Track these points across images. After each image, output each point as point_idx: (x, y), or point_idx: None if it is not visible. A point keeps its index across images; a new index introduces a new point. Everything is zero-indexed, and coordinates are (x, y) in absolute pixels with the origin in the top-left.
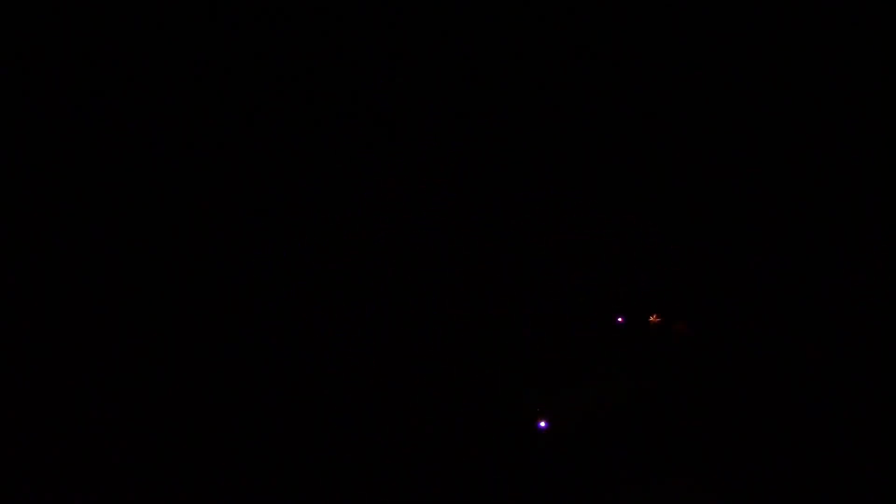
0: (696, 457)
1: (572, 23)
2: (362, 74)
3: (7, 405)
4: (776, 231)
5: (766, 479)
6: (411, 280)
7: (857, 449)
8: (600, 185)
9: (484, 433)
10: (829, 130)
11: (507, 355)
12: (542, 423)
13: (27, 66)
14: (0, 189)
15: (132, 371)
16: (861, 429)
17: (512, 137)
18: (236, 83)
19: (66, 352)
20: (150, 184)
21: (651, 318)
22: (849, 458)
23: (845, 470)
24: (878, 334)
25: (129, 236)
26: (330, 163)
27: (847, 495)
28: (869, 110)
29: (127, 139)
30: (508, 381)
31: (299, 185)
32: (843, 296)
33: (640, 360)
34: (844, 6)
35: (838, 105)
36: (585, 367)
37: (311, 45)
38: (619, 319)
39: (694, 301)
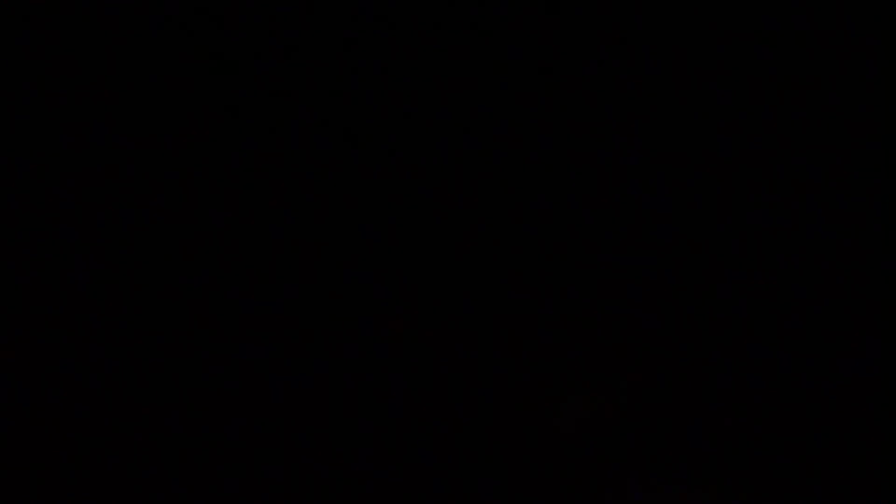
0: (698, 458)
1: (572, 23)
2: (363, 74)
3: (7, 405)
4: (776, 231)
5: (766, 479)
6: (411, 281)
7: (857, 449)
8: (600, 185)
9: (485, 434)
10: (829, 130)
11: (506, 357)
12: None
13: (27, 66)
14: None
15: (132, 371)
16: (861, 429)
17: (512, 137)
18: (236, 83)
19: (65, 351)
20: (149, 184)
21: None
22: (849, 459)
23: (845, 470)
24: (879, 334)
25: (128, 236)
26: (330, 163)
27: (847, 495)
28: (869, 110)
29: (126, 139)
30: (508, 383)
31: (299, 185)
32: (844, 296)
33: (640, 361)
34: (844, 6)
35: (838, 105)
36: (587, 368)
37: (311, 44)
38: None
39: (693, 301)
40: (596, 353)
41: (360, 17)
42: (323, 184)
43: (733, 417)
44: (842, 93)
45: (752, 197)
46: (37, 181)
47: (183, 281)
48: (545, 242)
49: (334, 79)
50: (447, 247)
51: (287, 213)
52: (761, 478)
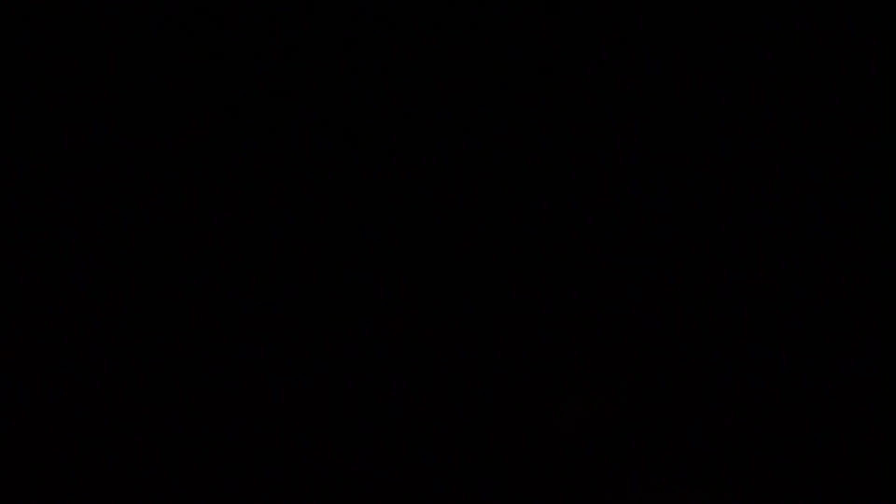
0: (698, 458)
1: (571, 23)
2: (363, 75)
3: (7, 405)
4: (776, 231)
5: (767, 479)
6: (411, 281)
7: (857, 449)
8: (600, 185)
9: (485, 434)
10: (829, 130)
11: (506, 357)
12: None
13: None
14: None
15: (132, 371)
16: (861, 429)
17: (512, 137)
18: (236, 83)
19: (65, 351)
20: (149, 184)
21: None
22: (849, 459)
23: (845, 470)
24: (879, 334)
25: (128, 236)
26: (330, 163)
27: (847, 495)
28: (869, 111)
29: (126, 139)
30: (508, 383)
31: (299, 185)
32: (844, 296)
33: (640, 361)
34: (844, 6)
35: (838, 105)
36: (587, 368)
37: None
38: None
39: (693, 301)
40: (596, 353)
41: (360, 17)
42: (323, 184)
43: (733, 417)
44: (842, 93)
45: (752, 197)
46: (37, 181)
47: (183, 281)
48: (545, 242)
49: (334, 79)
50: (447, 247)
51: (287, 213)
52: (761, 478)
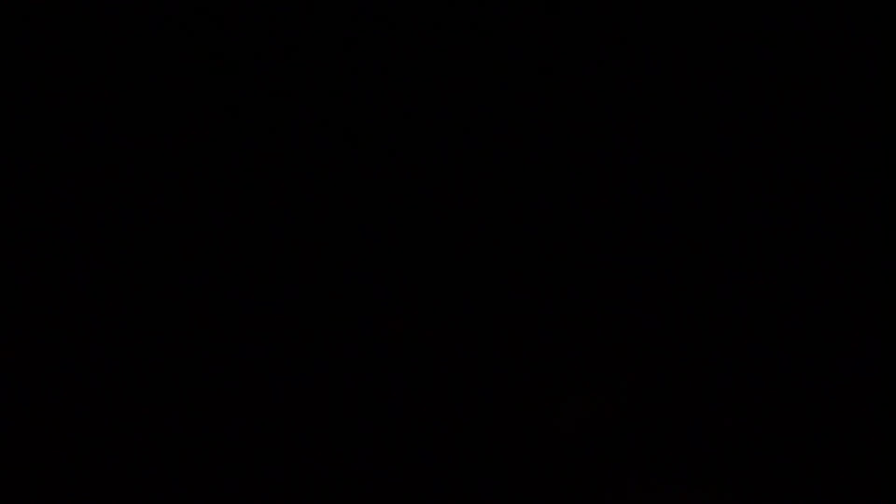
0: (698, 458)
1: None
2: (363, 75)
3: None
4: (776, 231)
5: (767, 479)
6: (411, 281)
7: (857, 449)
8: (600, 185)
9: (485, 434)
10: (829, 130)
11: (506, 357)
12: None
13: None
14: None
15: (132, 371)
16: (861, 429)
17: (512, 137)
18: (236, 83)
19: (65, 351)
20: (150, 184)
21: None
22: (849, 459)
23: (845, 470)
24: (879, 334)
25: (128, 236)
26: (330, 163)
27: (847, 495)
28: (869, 111)
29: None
30: (508, 383)
31: (299, 185)
32: (844, 296)
33: (640, 361)
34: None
35: (838, 105)
36: (587, 368)
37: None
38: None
39: (693, 301)
40: (596, 353)
41: (360, 17)
42: (323, 184)
43: (733, 417)
44: (842, 93)
45: (752, 197)
46: (37, 181)
47: (183, 281)
48: (545, 242)
49: (334, 79)
50: (447, 247)
51: (287, 213)
52: (761, 478)
